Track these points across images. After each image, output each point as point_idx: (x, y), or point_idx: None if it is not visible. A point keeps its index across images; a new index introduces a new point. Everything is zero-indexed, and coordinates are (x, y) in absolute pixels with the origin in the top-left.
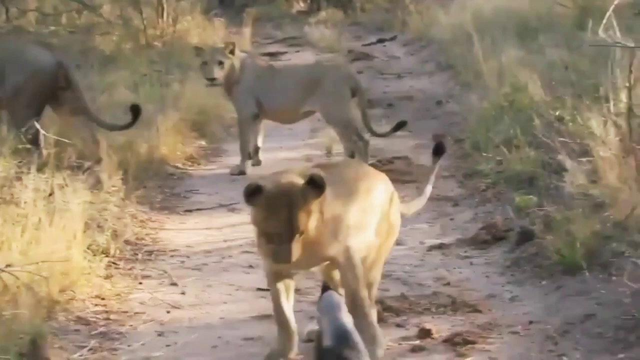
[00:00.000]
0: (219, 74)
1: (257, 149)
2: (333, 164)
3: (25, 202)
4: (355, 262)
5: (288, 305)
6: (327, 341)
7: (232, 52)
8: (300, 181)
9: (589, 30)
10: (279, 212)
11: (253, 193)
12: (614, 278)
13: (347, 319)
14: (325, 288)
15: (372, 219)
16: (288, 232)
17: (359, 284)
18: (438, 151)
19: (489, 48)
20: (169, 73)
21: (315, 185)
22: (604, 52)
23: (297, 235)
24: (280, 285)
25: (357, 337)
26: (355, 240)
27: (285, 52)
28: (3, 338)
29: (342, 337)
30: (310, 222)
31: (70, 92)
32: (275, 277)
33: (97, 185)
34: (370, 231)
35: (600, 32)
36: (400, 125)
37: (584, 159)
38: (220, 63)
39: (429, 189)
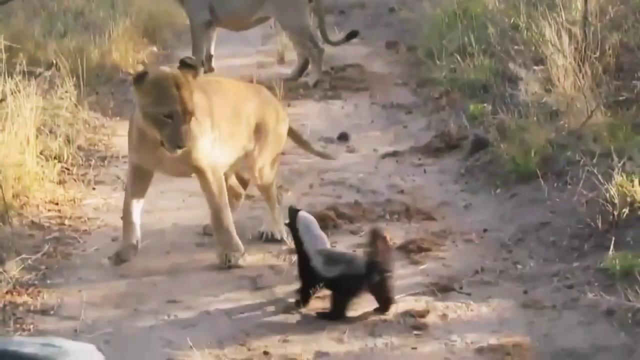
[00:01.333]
0: None
1: (209, 56)
2: (210, 80)
3: None
4: (218, 174)
5: (138, 205)
6: (318, 263)
7: None
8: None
9: None
10: (169, 91)
11: (140, 77)
12: (568, 186)
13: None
14: (292, 210)
15: (241, 129)
16: (180, 110)
17: (221, 193)
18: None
19: None
20: None
21: (187, 66)
22: None
23: (188, 117)
24: (137, 185)
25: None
26: (220, 151)
27: None
28: None
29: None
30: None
31: None
32: (137, 174)
33: (49, 90)
34: (239, 140)
35: None
36: (352, 35)
37: (538, 68)
38: None
39: None
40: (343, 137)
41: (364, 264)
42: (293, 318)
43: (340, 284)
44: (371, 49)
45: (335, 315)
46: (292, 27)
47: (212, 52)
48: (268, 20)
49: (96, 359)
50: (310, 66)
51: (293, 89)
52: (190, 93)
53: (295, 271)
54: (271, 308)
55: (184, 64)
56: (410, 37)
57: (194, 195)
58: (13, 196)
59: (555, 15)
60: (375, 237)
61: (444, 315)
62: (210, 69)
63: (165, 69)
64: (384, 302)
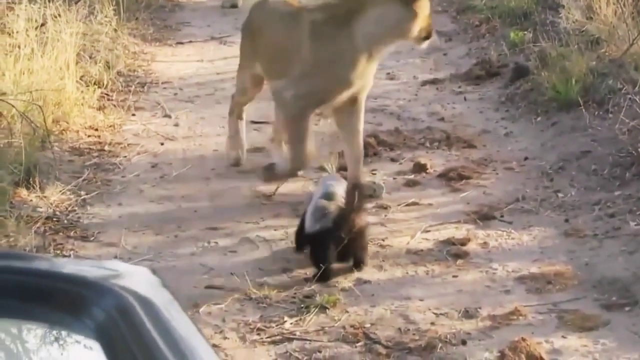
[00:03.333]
0: None
1: None
2: None
3: (17, 32)
4: None
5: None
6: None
7: None
8: None
9: None
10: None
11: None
12: (610, 115)
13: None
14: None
15: None
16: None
17: None
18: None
19: None
20: None
21: None
22: None
23: None
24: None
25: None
26: None
27: None
28: None
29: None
30: None
31: None
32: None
33: (89, 16)
34: None
35: None
36: None
37: None
38: None
39: None
40: None
41: (334, 218)
42: None
43: (315, 240)
44: None
45: (319, 277)
46: None
47: None
48: None
49: (152, 282)
50: None
51: None
52: None
53: None
54: None
55: None
56: None
57: None
58: (53, 122)
59: None
60: (353, 192)
61: (485, 244)
62: None
63: None
64: (355, 261)
